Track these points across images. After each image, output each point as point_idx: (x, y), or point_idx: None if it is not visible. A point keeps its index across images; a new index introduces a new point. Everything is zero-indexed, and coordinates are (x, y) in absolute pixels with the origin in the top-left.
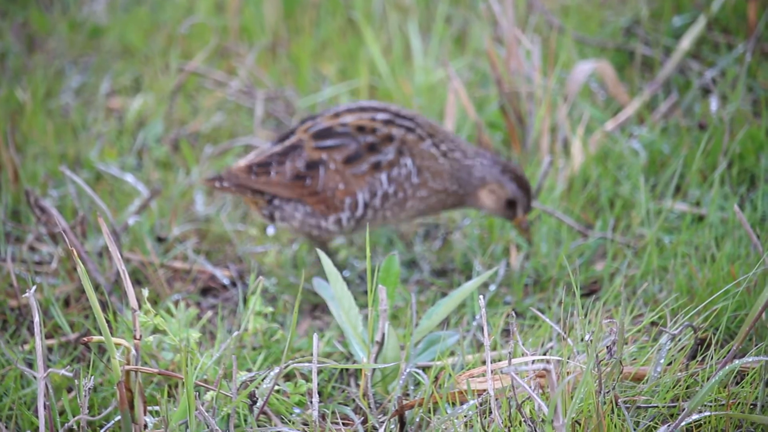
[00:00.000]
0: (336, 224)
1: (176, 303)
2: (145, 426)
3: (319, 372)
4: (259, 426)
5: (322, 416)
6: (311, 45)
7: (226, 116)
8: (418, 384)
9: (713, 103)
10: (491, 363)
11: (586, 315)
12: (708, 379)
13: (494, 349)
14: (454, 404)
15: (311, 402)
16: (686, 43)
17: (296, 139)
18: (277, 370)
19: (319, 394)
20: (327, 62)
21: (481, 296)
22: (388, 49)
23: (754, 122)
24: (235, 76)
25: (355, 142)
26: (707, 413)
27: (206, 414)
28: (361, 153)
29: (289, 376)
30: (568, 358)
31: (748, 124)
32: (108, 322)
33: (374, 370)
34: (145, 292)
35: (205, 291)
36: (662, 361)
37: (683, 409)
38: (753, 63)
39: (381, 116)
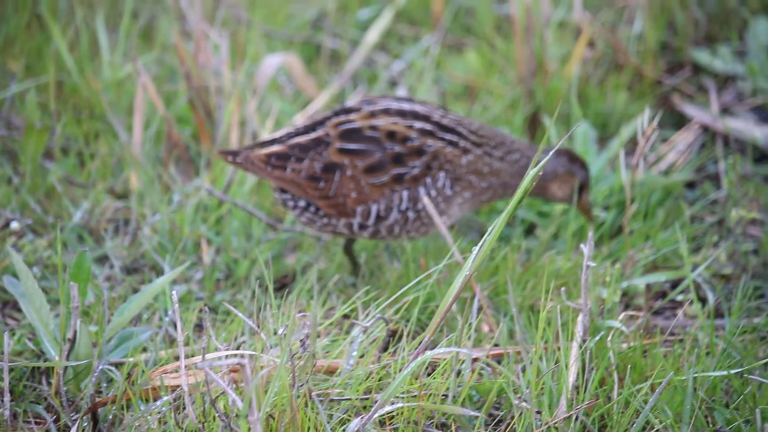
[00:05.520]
0: (346, 228)
1: None
2: None
3: (10, 371)
4: None
5: (14, 415)
6: None
7: None
8: (111, 381)
9: (401, 95)
10: (185, 358)
11: (278, 309)
12: (400, 370)
13: (187, 344)
14: (147, 401)
15: (2, 401)
16: (373, 35)
17: (324, 132)
18: None
19: (11, 393)
20: (13, 58)
21: (173, 291)
22: (75, 45)
23: None
24: None
25: (380, 151)
26: (400, 404)
27: None
28: (385, 163)
29: None
30: (262, 352)
31: None
32: None
33: (66, 367)
34: None
35: None
36: (355, 353)
37: (376, 401)
38: (439, 55)
39: (419, 125)
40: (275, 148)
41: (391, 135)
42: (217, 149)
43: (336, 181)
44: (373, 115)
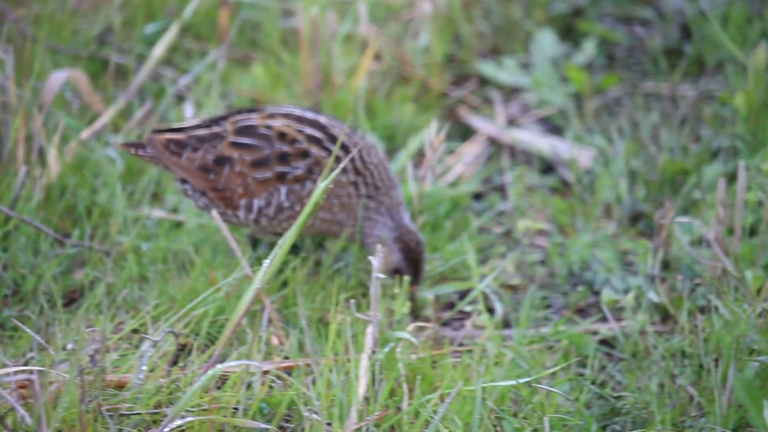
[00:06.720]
0: (235, 218)
1: None
2: None
3: None
4: None
5: None
6: None
7: None
8: None
9: (188, 110)
10: None
11: (67, 324)
12: (190, 384)
13: None
14: None
15: None
16: (159, 50)
17: (222, 129)
18: None
19: None
20: None
21: None
22: None
23: None
24: None
25: (269, 147)
26: (190, 418)
27: None
28: (271, 160)
29: None
30: (51, 368)
31: None
32: None
33: None
34: None
35: None
36: (144, 367)
37: (167, 415)
38: (226, 69)
39: (310, 131)
40: (177, 135)
41: (282, 135)
42: (120, 141)
43: (224, 175)
44: (271, 116)
